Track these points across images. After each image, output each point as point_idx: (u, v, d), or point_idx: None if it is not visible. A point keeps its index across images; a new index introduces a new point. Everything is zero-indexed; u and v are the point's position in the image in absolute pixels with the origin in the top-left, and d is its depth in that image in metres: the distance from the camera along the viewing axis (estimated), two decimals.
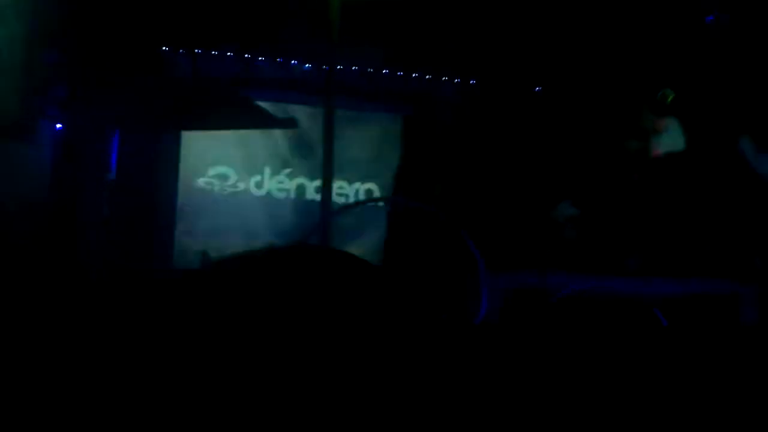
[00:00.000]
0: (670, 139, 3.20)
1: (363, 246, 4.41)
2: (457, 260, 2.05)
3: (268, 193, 5.24)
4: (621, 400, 1.79)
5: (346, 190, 5.00)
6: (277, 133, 5.08)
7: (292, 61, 4.99)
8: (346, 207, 3.78)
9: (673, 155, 3.23)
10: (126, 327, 1.56)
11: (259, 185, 5.28)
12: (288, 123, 4.85)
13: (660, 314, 2.08)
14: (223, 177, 5.18)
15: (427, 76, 4.97)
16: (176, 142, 4.87)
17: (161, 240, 4.75)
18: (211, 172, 5.13)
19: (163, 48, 4.65)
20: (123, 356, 1.44)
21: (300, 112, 4.92)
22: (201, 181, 5.14)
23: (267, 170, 5.26)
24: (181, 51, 4.71)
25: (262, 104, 4.83)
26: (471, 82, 4.96)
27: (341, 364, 1.57)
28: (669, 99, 3.09)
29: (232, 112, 4.74)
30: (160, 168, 4.78)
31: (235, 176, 5.25)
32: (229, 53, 4.82)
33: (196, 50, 4.71)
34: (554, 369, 1.86)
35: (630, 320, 2.16)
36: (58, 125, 3.63)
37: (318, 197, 3.89)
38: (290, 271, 1.80)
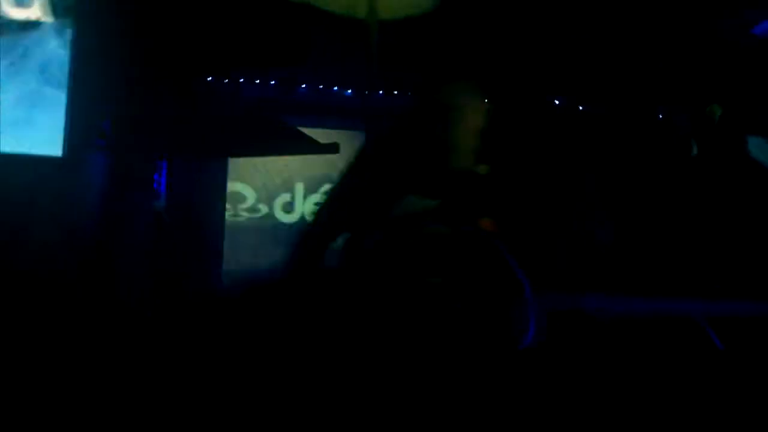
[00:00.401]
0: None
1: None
2: (499, 281, 2.01)
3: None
4: (676, 422, 1.73)
5: None
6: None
7: (334, 87, 5.04)
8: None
9: (726, 167, 3.15)
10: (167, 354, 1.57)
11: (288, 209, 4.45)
12: (331, 148, 4.79)
13: (714, 336, 2.01)
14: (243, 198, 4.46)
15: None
16: (223, 170, 4.79)
17: (209, 267, 4.75)
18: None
19: (208, 77, 4.74)
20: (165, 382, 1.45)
21: (341, 136, 4.83)
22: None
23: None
24: (225, 80, 4.79)
25: (304, 130, 4.80)
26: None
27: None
28: (717, 115, 3.01)
29: (277, 137, 4.70)
30: (209, 195, 4.71)
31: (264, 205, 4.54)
32: (272, 81, 4.89)
33: (240, 79, 4.78)
34: (610, 391, 1.81)
35: (683, 342, 2.09)
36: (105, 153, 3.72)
37: None
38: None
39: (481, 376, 1.75)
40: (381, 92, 4.72)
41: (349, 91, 5.05)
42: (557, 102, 4.99)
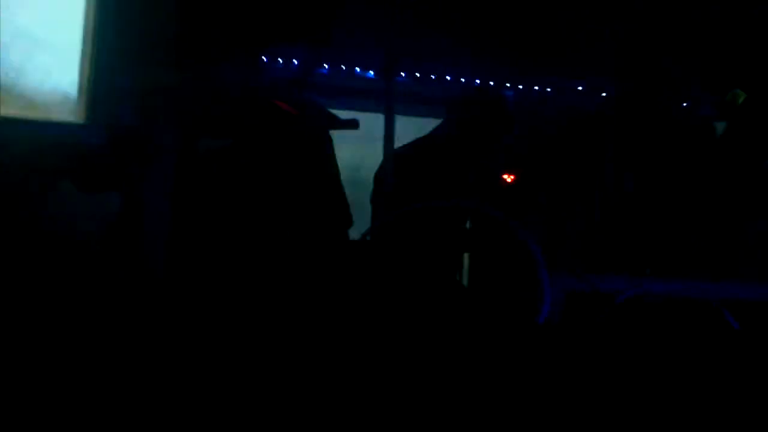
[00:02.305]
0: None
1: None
2: (514, 259, 2.03)
3: None
4: (690, 403, 1.74)
5: None
6: None
7: (356, 69, 5.05)
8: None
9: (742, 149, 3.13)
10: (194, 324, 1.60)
11: None
12: (351, 123, 4.78)
13: (731, 317, 2.01)
14: None
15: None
16: None
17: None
18: None
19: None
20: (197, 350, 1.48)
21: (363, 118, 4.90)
22: None
23: None
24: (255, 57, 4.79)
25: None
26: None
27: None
28: (740, 100, 2.99)
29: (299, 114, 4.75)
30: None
31: None
32: (294, 60, 4.90)
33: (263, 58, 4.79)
34: (620, 372, 1.82)
35: (699, 323, 2.09)
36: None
37: None
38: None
39: (493, 357, 1.76)
40: (404, 75, 4.73)
41: (371, 72, 5.05)
42: (580, 88, 4.98)
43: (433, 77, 4.98)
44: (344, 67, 5.06)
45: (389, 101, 3.00)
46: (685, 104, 4.65)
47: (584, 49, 4.43)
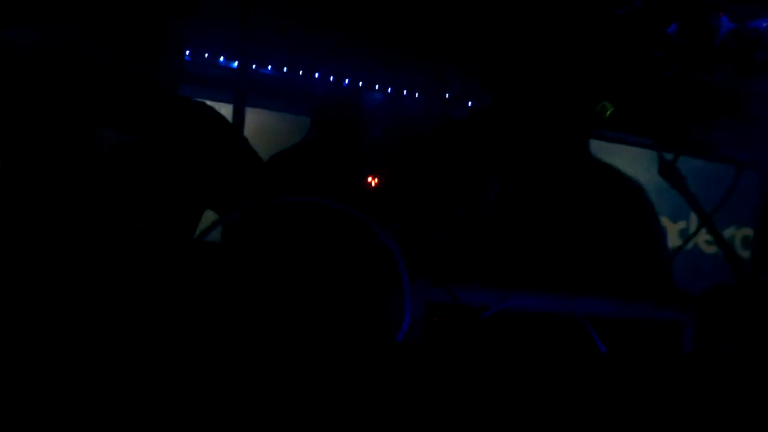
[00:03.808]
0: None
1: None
2: (374, 267, 1.84)
3: None
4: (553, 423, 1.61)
5: None
6: None
7: (220, 58, 4.74)
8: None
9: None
10: None
11: None
12: None
13: (596, 336, 1.91)
14: None
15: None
16: None
17: None
18: None
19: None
20: None
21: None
22: None
23: None
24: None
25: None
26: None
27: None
28: (608, 112, 2.95)
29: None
30: None
31: None
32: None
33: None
34: (483, 390, 1.68)
35: (564, 340, 1.99)
36: None
37: None
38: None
39: (350, 372, 1.56)
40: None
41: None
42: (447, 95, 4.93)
43: (295, 72, 4.77)
44: (207, 55, 4.76)
45: (240, 92, 2.73)
46: (554, 116, 4.68)
47: (453, 54, 4.35)
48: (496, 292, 1.97)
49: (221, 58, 4.78)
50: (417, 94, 5.05)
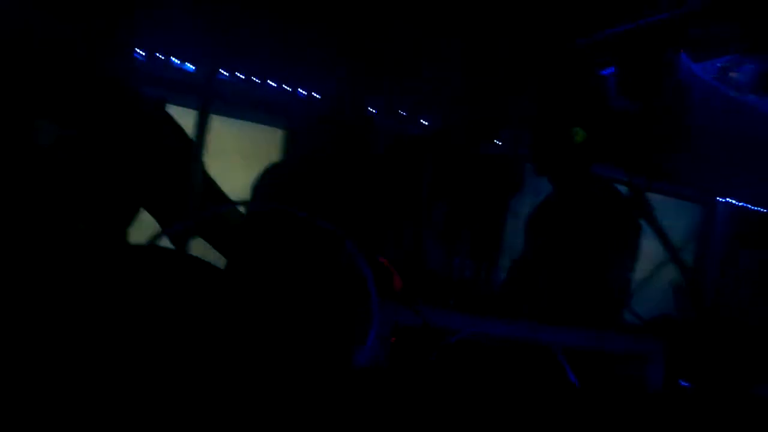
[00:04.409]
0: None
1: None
2: (343, 284, 1.72)
3: None
4: None
5: None
6: None
7: (173, 59, 4.57)
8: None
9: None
10: None
11: None
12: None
13: (567, 366, 1.82)
14: None
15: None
16: None
17: None
18: None
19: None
20: None
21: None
22: None
23: None
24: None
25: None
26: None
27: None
28: (579, 138, 2.90)
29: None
30: None
31: None
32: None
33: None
34: (448, 420, 1.58)
35: (533, 369, 1.90)
36: None
37: None
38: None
39: (308, 397, 1.44)
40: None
41: (190, 65, 4.58)
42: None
43: (257, 80, 4.63)
44: (160, 56, 4.58)
45: (206, 99, 2.59)
46: (497, 141, 4.66)
47: (410, 72, 4.29)
48: (469, 317, 1.87)
49: (184, 63, 4.65)
50: (372, 108, 4.98)
